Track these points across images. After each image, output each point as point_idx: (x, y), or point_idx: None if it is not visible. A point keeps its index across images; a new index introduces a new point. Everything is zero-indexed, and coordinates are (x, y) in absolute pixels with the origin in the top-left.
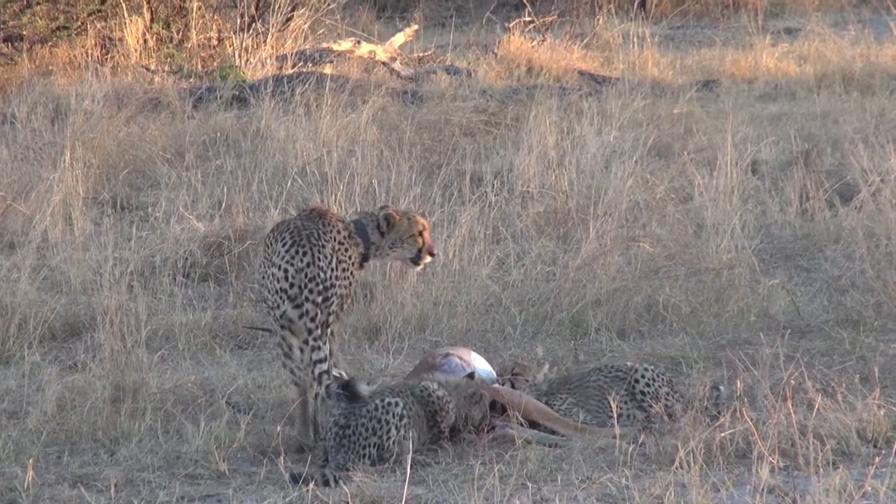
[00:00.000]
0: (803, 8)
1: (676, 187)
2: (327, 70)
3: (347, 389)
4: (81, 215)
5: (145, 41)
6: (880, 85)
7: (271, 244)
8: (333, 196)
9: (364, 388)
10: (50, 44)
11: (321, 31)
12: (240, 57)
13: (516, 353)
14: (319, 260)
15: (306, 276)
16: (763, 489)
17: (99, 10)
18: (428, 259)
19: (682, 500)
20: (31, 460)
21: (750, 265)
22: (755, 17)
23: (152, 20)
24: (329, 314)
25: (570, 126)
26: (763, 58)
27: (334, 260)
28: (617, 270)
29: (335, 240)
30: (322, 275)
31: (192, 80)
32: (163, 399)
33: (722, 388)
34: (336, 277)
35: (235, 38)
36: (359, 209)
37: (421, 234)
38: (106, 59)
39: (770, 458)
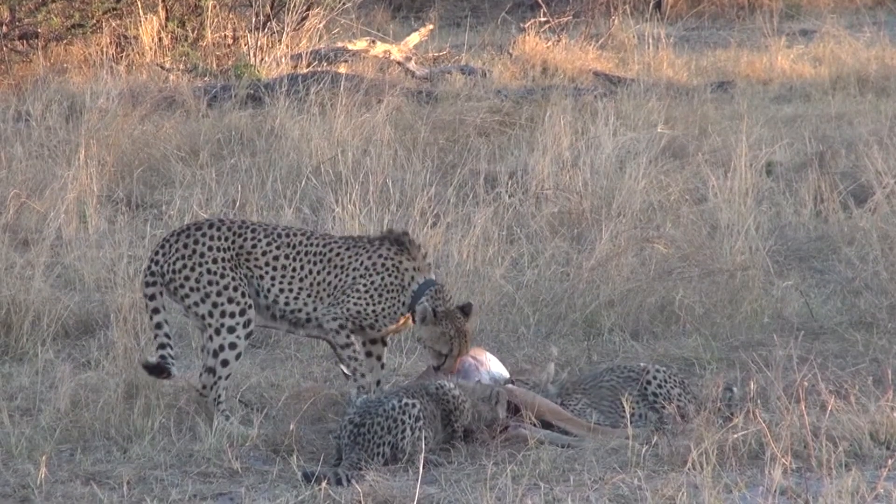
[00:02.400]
0: (818, 10)
1: (691, 188)
2: (342, 69)
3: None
4: (96, 213)
5: (160, 39)
6: (895, 87)
7: None
8: (348, 196)
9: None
10: (65, 41)
11: (336, 31)
12: (255, 56)
13: (529, 353)
14: (155, 254)
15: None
16: (776, 491)
17: (114, 8)
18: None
19: (694, 501)
20: (43, 457)
21: (764, 267)
22: (770, 18)
23: (167, 18)
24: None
25: (585, 127)
26: (778, 59)
27: (171, 257)
28: (631, 271)
29: (366, 259)
30: (149, 267)
31: (206, 78)
32: (176, 397)
33: (735, 389)
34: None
35: (250, 37)
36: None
37: (446, 357)
38: (121, 57)
39: (783, 459)
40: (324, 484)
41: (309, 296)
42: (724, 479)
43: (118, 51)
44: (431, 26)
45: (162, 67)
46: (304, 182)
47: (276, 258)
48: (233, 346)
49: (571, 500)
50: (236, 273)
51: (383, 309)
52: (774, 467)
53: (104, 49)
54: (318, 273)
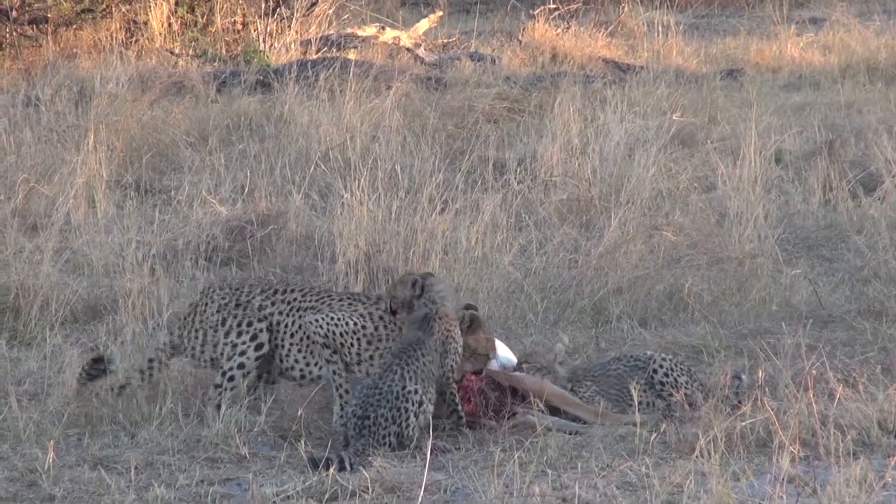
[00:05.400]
0: None
1: (699, 176)
2: (351, 55)
3: (97, 365)
4: (104, 198)
5: (170, 25)
6: None
7: None
8: (357, 182)
9: (116, 361)
10: (75, 26)
11: (346, 17)
12: (264, 41)
13: (537, 339)
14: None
15: None
16: (783, 479)
17: None
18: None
19: (701, 489)
20: (51, 442)
21: (772, 255)
22: (780, 6)
23: (177, 4)
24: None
25: (594, 114)
26: (788, 47)
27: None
28: (639, 259)
29: (362, 309)
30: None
31: (216, 64)
32: (183, 382)
33: (743, 377)
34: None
35: (260, 23)
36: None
37: (486, 356)
38: (130, 42)
39: (791, 447)
40: (332, 470)
41: (299, 351)
42: (731, 466)
43: (128, 36)
44: (441, 13)
45: (171, 53)
46: (312, 168)
47: (270, 314)
48: (241, 366)
49: (579, 487)
50: (236, 314)
51: (370, 355)
52: (782, 455)
53: (114, 34)
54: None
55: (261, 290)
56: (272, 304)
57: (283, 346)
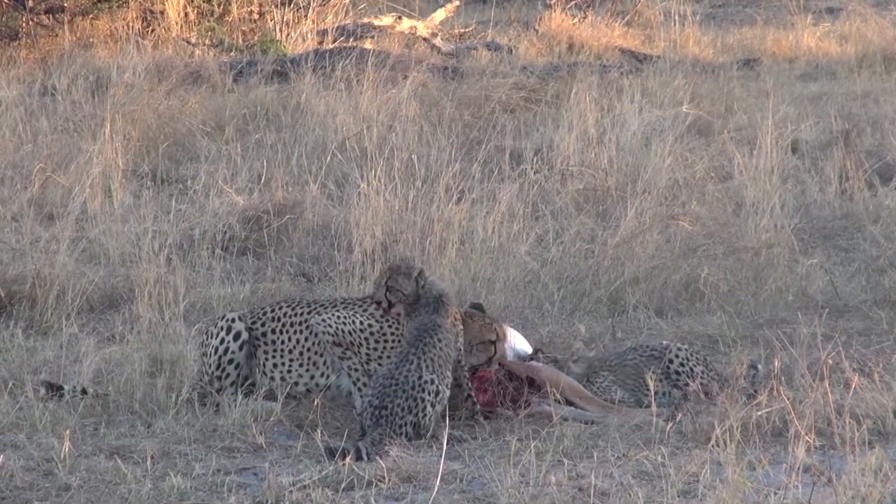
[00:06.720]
0: None
1: (716, 166)
2: (368, 45)
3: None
4: (121, 188)
5: (186, 14)
6: None
7: None
8: (373, 172)
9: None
10: (91, 16)
11: (362, 6)
12: (281, 31)
13: (554, 329)
14: None
15: None
16: (799, 468)
17: None
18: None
19: (717, 478)
20: (67, 431)
21: (789, 244)
22: None
23: None
24: None
25: (611, 104)
26: (804, 37)
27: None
28: (655, 248)
29: (361, 311)
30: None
31: (232, 53)
32: (200, 371)
33: (759, 366)
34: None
35: (276, 12)
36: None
37: (494, 343)
38: (147, 32)
39: (806, 437)
40: (348, 459)
41: (301, 365)
42: (747, 456)
43: (144, 26)
44: (458, 2)
45: (188, 42)
46: (329, 158)
47: (263, 335)
48: (230, 361)
49: (595, 477)
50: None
51: (378, 354)
52: (798, 445)
53: (130, 24)
54: (307, 339)
55: (250, 315)
56: (263, 325)
57: (283, 364)
